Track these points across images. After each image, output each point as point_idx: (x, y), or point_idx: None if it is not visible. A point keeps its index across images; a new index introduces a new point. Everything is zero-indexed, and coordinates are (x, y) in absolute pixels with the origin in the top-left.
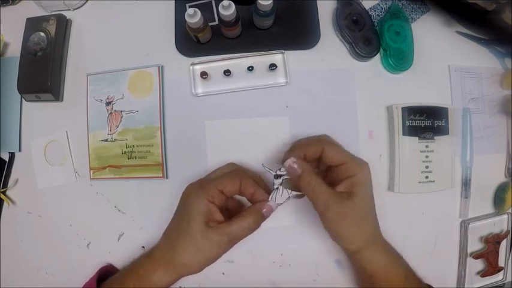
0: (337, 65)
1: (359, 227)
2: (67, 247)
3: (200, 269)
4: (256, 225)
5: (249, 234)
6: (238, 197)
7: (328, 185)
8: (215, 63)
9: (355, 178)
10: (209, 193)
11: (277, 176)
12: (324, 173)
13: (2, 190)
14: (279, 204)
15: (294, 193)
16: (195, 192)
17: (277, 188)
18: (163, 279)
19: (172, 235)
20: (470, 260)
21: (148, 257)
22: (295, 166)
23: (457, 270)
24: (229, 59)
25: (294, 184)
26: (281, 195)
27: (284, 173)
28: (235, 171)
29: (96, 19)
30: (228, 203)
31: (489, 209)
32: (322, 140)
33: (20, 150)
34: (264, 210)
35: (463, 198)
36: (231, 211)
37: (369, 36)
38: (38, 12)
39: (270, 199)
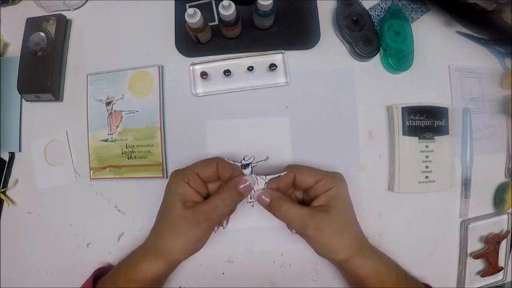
0: (337, 65)
1: (342, 236)
2: (67, 247)
3: (184, 254)
4: (232, 202)
5: (226, 212)
6: None
7: (301, 205)
8: (215, 63)
9: (332, 191)
10: (185, 176)
11: (244, 166)
12: (302, 196)
13: (2, 190)
14: None
15: (269, 177)
16: (173, 177)
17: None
18: (153, 267)
19: (157, 221)
20: (470, 260)
21: (140, 247)
22: (263, 197)
23: (457, 270)
24: (229, 59)
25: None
26: (257, 183)
27: (250, 160)
28: (213, 158)
29: (96, 19)
30: (211, 189)
31: (489, 209)
32: (291, 168)
33: (20, 150)
34: (240, 187)
35: (463, 198)
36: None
37: (369, 36)
38: (38, 12)
39: None
